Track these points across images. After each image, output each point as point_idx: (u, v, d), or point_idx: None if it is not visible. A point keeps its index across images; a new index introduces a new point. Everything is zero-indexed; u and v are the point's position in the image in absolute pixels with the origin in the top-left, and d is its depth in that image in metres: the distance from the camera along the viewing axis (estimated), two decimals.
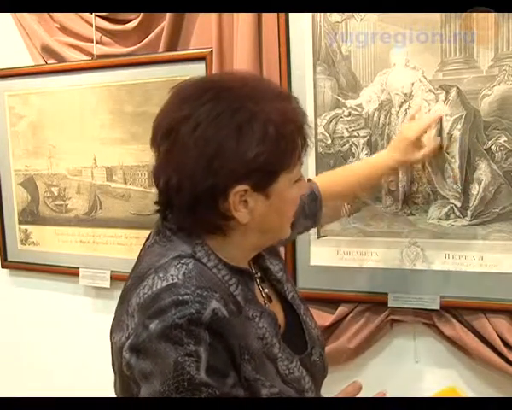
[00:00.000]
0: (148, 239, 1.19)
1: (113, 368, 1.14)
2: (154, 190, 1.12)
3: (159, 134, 1.08)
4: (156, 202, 1.13)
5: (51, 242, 2.45)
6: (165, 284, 1.02)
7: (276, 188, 1.06)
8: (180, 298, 0.99)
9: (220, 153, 1.00)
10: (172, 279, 1.03)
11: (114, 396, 1.17)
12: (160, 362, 0.98)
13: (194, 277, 1.03)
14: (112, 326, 1.13)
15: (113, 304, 1.15)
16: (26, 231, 2.51)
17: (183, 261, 1.06)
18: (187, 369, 0.97)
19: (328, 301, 1.90)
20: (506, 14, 1.59)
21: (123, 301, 1.11)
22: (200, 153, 1.01)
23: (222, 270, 1.10)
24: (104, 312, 2.29)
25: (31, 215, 2.48)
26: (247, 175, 1.02)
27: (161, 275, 1.04)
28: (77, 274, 2.35)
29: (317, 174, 1.85)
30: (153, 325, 0.98)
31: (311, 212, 1.52)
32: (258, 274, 1.25)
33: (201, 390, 0.98)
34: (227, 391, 1.01)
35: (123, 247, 2.27)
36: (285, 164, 1.05)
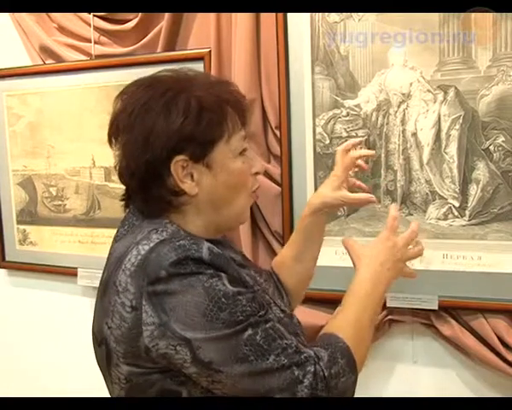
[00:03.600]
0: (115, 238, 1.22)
1: (114, 372, 1.10)
2: None
3: (110, 135, 1.19)
4: (122, 197, 1.21)
5: (49, 242, 2.45)
6: (152, 244, 1.06)
7: (216, 158, 1.13)
8: (177, 243, 1.04)
9: (153, 130, 1.09)
10: (158, 239, 1.07)
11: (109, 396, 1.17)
12: (190, 297, 1.00)
13: (179, 232, 1.11)
14: (95, 326, 1.14)
15: None
16: (25, 231, 2.50)
17: (161, 229, 1.10)
18: (217, 288, 1.02)
19: (327, 302, 1.90)
20: (504, 14, 1.60)
21: (104, 294, 1.11)
22: (137, 134, 1.11)
23: None
24: None
25: (29, 215, 2.48)
26: (181, 146, 1.09)
27: (145, 242, 1.07)
28: (75, 274, 2.34)
29: (315, 174, 1.85)
30: (163, 272, 1.01)
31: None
32: None
33: (240, 299, 1.03)
34: (259, 294, 1.10)
35: None
36: (215, 134, 1.12)
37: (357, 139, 1.57)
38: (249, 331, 1.02)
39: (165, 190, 1.12)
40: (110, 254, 1.18)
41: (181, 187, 1.11)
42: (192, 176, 1.12)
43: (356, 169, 1.45)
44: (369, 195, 1.41)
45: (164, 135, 1.09)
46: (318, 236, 1.48)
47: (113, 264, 1.11)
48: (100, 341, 1.12)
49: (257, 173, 1.23)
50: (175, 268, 1.01)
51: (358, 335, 1.16)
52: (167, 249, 1.03)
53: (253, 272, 1.33)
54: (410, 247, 1.28)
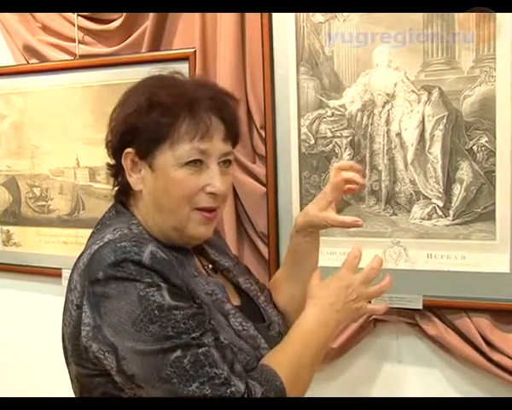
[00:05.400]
0: None
1: (69, 370, 1.17)
2: None
3: None
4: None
5: (33, 243, 2.43)
6: (102, 243, 1.07)
7: (158, 160, 1.12)
8: (118, 245, 1.03)
9: (114, 119, 1.17)
10: (108, 239, 1.07)
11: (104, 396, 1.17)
12: (124, 304, 0.99)
13: (129, 234, 1.10)
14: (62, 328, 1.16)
15: None
16: (8, 232, 2.48)
17: (118, 229, 1.11)
18: (152, 299, 0.99)
19: None
20: (487, 14, 1.61)
21: (67, 292, 1.14)
22: (111, 125, 1.19)
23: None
24: None
25: (13, 216, 2.46)
26: (129, 138, 1.13)
27: (98, 242, 1.08)
28: (59, 275, 2.32)
29: (300, 174, 1.85)
30: (100, 274, 1.02)
31: None
32: (210, 266, 1.28)
33: (175, 314, 1.00)
34: (202, 312, 1.05)
35: None
36: (161, 133, 1.11)
37: (352, 162, 1.45)
38: (177, 353, 0.98)
39: (124, 179, 1.17)
40: None
41: (127, 179, 1.15)
42: (140, 171, 1.15)
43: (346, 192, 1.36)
44: (355, 218, 1.32)
45: (119, 124, 1.15)
46: (309, 257, 1.40)
47: (75, 263, 1.13)
48: (62, 338, 1.18)
49: (212, 193, 1.14)
50: (112, 270, 1.01)
51: (297, 374, 1.11)
52: (107, 250, 1.03)
53: (245, 280, 1.32)
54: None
